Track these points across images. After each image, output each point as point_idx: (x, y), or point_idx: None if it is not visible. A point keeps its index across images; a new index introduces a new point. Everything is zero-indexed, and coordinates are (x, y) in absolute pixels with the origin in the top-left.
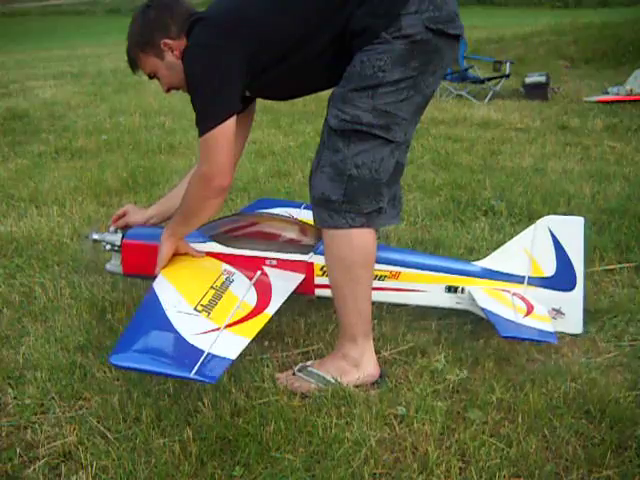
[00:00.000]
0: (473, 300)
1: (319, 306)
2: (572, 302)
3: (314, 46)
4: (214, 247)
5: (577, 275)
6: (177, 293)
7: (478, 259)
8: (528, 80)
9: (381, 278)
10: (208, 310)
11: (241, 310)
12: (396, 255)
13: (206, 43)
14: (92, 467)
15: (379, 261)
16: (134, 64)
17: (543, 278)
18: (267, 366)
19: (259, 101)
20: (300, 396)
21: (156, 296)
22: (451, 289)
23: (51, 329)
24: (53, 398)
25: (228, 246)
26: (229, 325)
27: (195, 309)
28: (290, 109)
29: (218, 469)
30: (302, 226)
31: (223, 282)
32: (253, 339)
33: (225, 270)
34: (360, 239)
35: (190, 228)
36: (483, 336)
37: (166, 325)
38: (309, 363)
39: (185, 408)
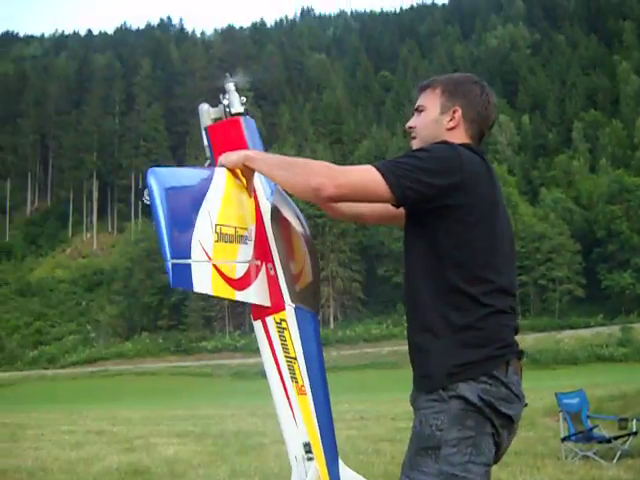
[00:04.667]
0: None
1: None
2: None
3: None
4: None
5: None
6: (220, 197)
7: None
8: None
9: None
10: (220, 240)
11: (234, 269)
12: None
13: (455, 149)
14: None
15: None
16: (425, 84)
17: None
18: None
19: None
20: None
21: (210, 182)
22: None
23: None
24: None
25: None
26: (216, 267)
27: (214, 231)
28: None
29: None
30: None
31: (242, 235)
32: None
33: (251, 230)
34: None
35: (270, 174)
36: None
37: (188, 208)
38: None
39: None
